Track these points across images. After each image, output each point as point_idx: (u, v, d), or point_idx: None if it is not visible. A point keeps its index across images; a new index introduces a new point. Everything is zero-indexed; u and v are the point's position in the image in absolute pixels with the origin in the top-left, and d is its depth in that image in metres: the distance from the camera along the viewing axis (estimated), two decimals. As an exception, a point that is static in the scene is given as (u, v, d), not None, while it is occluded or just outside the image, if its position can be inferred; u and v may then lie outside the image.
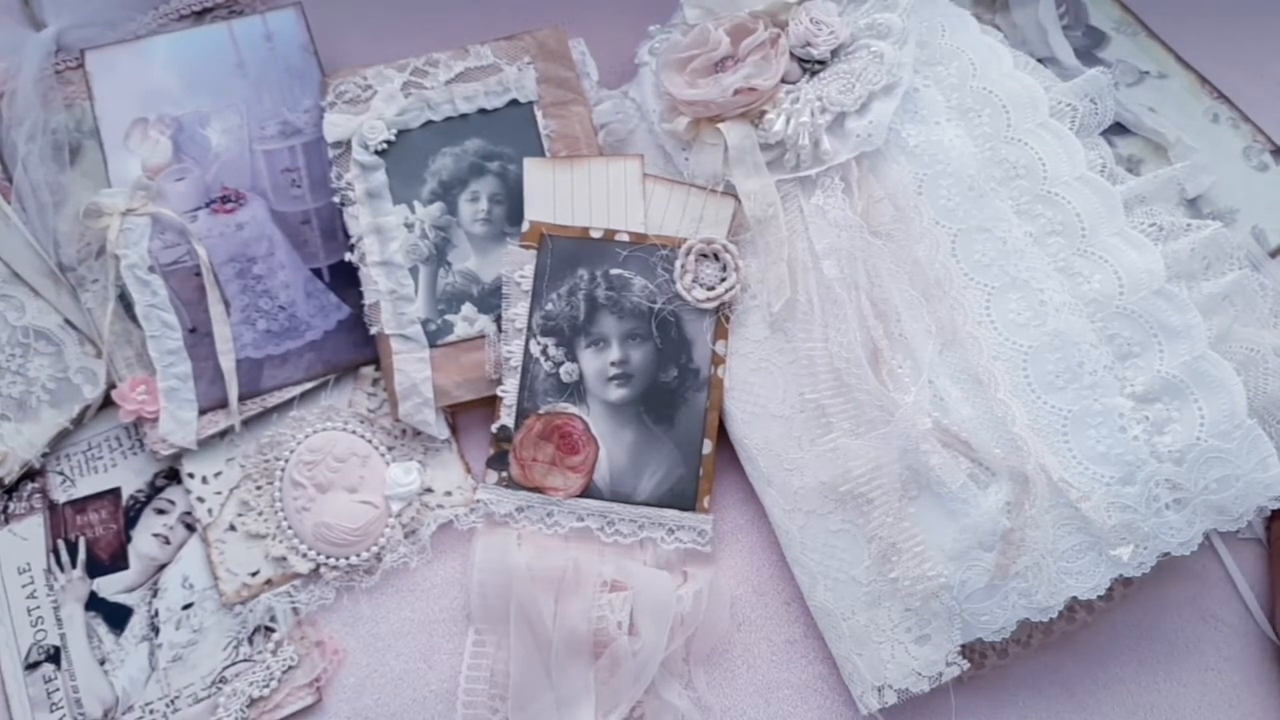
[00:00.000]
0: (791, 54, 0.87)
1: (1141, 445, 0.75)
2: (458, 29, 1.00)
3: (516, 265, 0.87)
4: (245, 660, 0.82)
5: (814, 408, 0.81)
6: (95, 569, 0.85)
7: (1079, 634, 0.82)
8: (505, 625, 0.81)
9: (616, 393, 0.85)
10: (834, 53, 0.87)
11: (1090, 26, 1.03)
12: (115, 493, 0.87)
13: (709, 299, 0.85)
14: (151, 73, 0.93)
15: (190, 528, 0.86)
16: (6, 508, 0.87)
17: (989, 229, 0.81)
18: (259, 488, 0.86)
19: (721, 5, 0.89)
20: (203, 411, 0.87)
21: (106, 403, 0.89)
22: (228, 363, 0.87)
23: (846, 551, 0.79)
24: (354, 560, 0.84)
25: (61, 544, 0.86)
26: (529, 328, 0.86)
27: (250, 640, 0.83)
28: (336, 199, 0.90)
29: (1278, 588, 0.84)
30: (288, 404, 0.88)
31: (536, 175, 0.89)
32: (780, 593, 0.84)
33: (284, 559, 0.84)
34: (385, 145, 0.90)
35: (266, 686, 0.81)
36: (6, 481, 0.86)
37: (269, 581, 0.84)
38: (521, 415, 0.85)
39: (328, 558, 0.84)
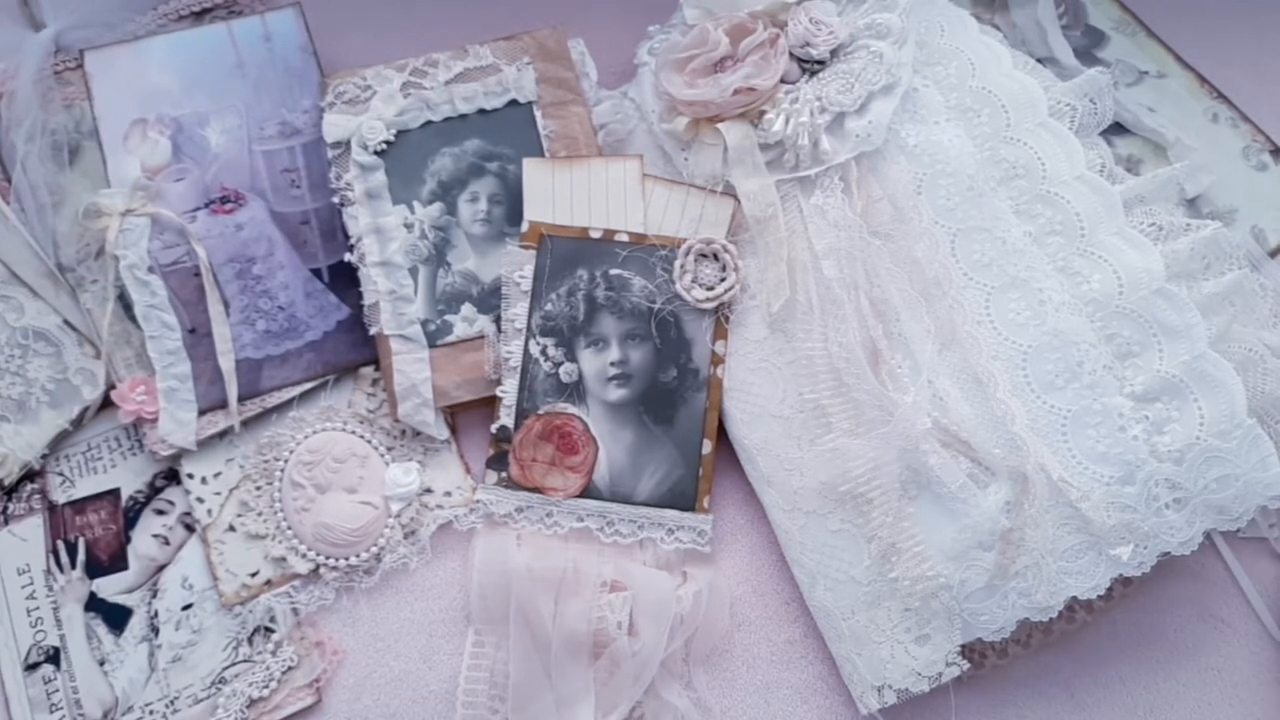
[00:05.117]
0: (791, 54, 0.87)
1: (1141, 445, 0.75)
2: (457, 29, 1.00)
3: (516, 265, 0.87)
4: (245, 661, 0.82)
5: (813, 408, 0.81)
6: (95, 570, 0.85)
7: (1079, 634, 0.82)
8: (505, 626, 0.81)
9: (616, 393, 0.85)
10: (833, 53, 0.87)
11: (1089, 26, 1.03)
12: (115, 493, 0.87)
13: (708, 299, 0.85)
14: (150, 73, 0.93)
15: (190, 528, 0.86)
16: (6, 509, 0.86)
17: (988, 229, 0.81)
18: (258, 488, 0.86)
19: (721, 5, 0.89)
20: (202, 412, 0.87)
21: (106, 403, 0.89)
22: (227, 363, 0.87)
23: (846, 551, 0.79)
24: (353, 561, 0.84)
25: (61, 545, 0.85)
26: (528, 328, 0.86)
27: (250, 641, 0.83)
28: (336, 199, 0.90)
29: None
30: (287, 404, 0.88)
31: (536, 175, 0.89)
32: (780, 593, 0.84)
33: (283, 559, 0.84)
34: (384, 145, 0.90)
35: (266, 687, 0.81)
36: (6, 483, 0.86)
37: (268, 582, 0.84)
38: (521, 415, 0.85)
39: (327, 558, 0.84)
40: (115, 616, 0.84)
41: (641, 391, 0.85)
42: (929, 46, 0.87)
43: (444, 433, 0.88)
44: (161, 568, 0.85)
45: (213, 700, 0.81)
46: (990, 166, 0.83)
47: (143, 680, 0.82)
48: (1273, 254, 0.92)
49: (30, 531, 0.86)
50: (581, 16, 0.99)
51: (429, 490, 0.87)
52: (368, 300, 0.88)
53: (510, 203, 0.90)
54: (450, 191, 0.91)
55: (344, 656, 0.83)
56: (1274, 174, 0.96)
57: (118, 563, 0.85)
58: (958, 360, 0.79)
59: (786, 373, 0.84)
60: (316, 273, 0.91)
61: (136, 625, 0.83)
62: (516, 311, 0.87)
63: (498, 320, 0.88)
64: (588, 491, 0.84)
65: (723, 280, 0.86)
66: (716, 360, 0.86)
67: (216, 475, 0.87)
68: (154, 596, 0.84)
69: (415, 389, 0.86)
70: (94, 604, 0.84)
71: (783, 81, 0.86)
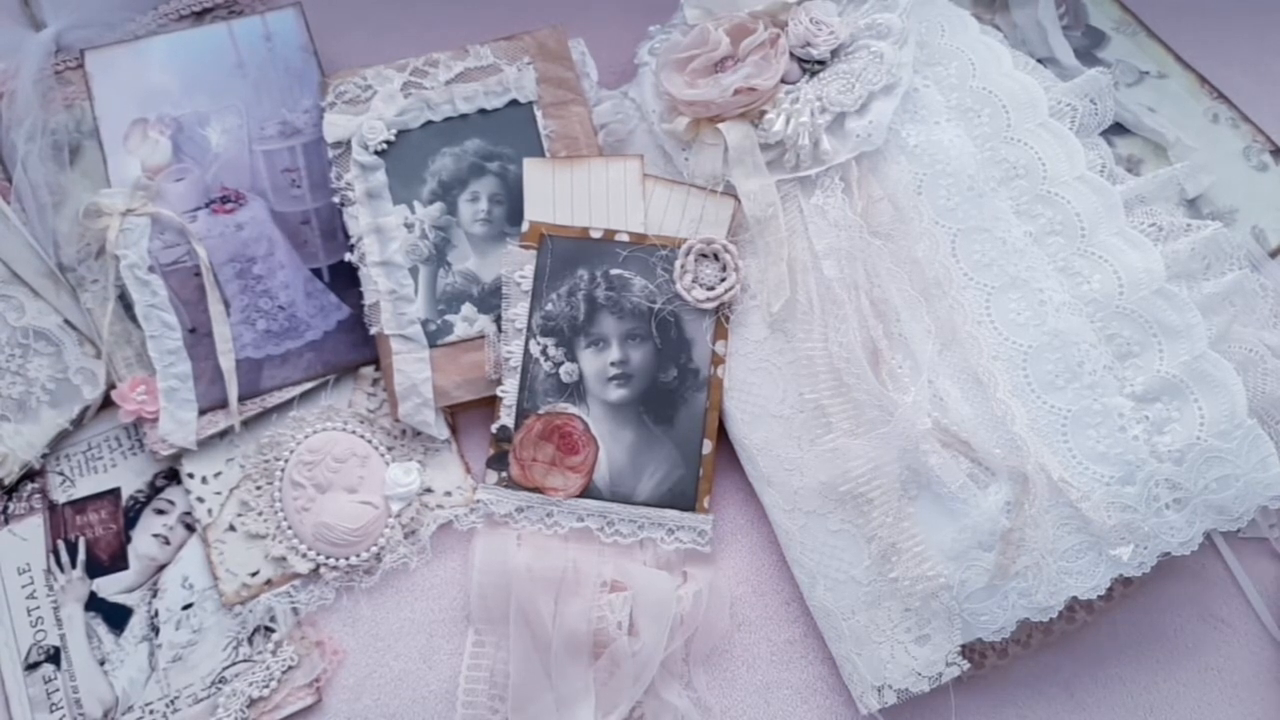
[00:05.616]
0: (791, 54, 0.87)
1: (1141, 445, 0.75)
2: (457, 29, 1.00)
3: (516, 265, 0.87)
4: (245, 660, 0.82)
5: (814, 408, 0.81)
6: (95, 569, 0.85)
7: (1079, 634, 0.82)
8: (505, 626, 0.81)
9: (616, 393, 0.85)
10: (834, 53, 0.87)
11: (1090, 26, 1.03)
12: (115, 493, 0.87)
13: (709, 299, 0.85)
14: (151, 73, 0.93)
15: (190, 528, 0.86)
16: (6, 508, 0.87)
17: (988, 229, 0.81)
18: (259, 488, 0.86)
19: (721, 5, 0.89)
20: (202, 412, 0.87)
21: (106, 403, 0.89)
22: (227, 363, 0.87)
23: (846, 551, 0.79)
24: (354, 560, 0.84)
25: (61, 544, 0.86)
26: (529, 328, 0.86)
27: (250, 640, 0.83)
28: (336, 199, 0.90)
29: None
30: (287, 404, 0.88)
31: (536, 175, 0.89)
32: (780, 593, 0.84)
33: (284, 559, 0.84)
34: (385, 145, 0.90)
35: (266, 687, 0.81)
36: (6, 482, 0.86)
37: (269, 582, 0.84)
38: (521, 415, 0.85)
39: (327, 558, 0.84)
40: (115, 616, 0.84)
41: (642, 391, 0.85)
42: (929, 46, 0.87)
43: (444, 433, 0.88)
44: (162, 567, 0.85)
45: (213, 700, 0.81)
46: (990, 166, 0.83)
47: (143, 680, 0.82)
48: (1273, 254, 0.92)
49: (30, 531, 0.86)
50: (582, 16, 0.99)
51: (429, 490, 0.87)
52: (368, 300, 0.88)
53: (511, 202, 0.90)
54: (451, 191, 0.91)
55: (344, 656, 0.83)
56: (1274, 174, 0.96)
57: (118, 562, 0.85)
58: (958, 360, 0.79)
59: (787, 373, 0.84)
60: (317, 272, 0.91)
61: (137, 625, 0.83)
62: (517, 311, 0.87)
63: (498, 320, 0.88)
64: (588, 491, 0.84)
65: (723, 280, 0.86)
66: (717, 360, 0.86)
67: (217, 475, 0.87)
68: (154, 596, 0.84)
69: (415, 389, 0.86)
70: (94, 603, 0.84)
71: (783, 81, 0.86)
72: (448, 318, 0.88)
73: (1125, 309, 0.77)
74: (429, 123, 0.92)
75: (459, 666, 0.81)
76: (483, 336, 0.88)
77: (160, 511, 0.87)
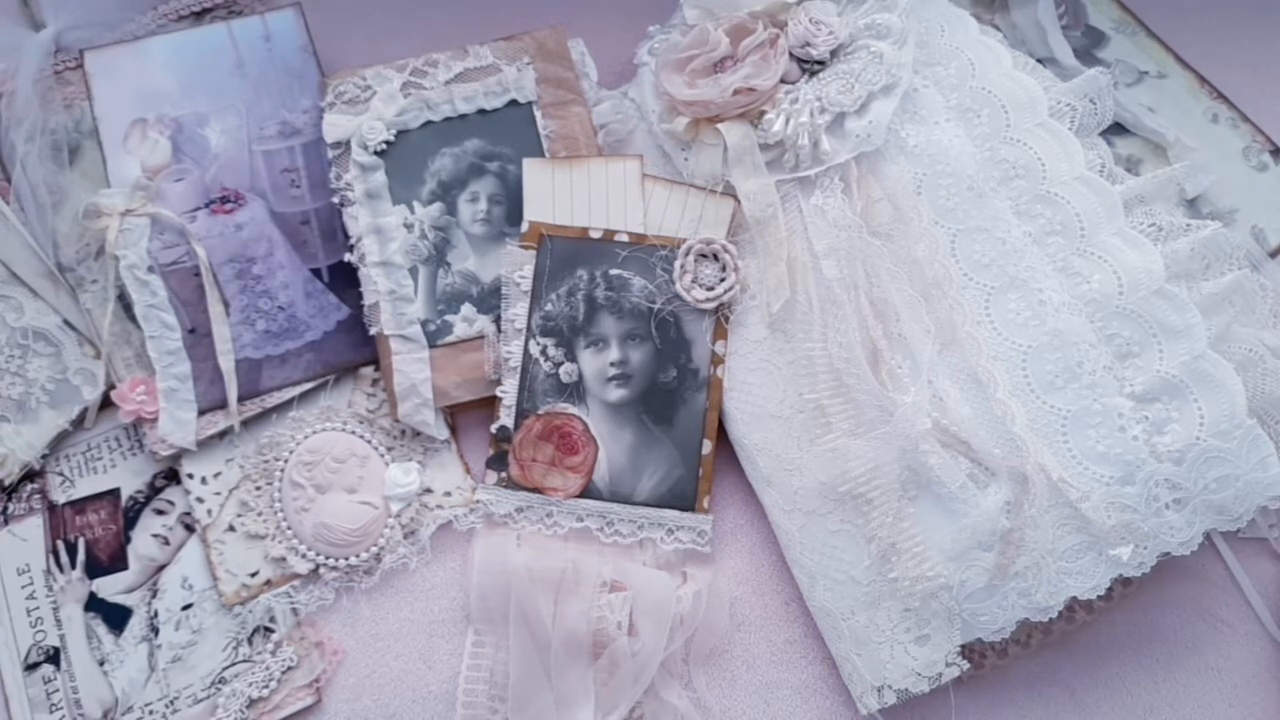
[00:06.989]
0: (791, 54, 0.87)
1: (1141, 445, 0.75)
2: (457, 29, 1.00)
3: (516, 265, 0.87)
4: (245, 661, 0.82)
5: (813, 408, 0.81)
6: (94, 570, 0.85)
7: (1079, 634, 0.82)
8: (504, 626, 0.81)
9: (616, 393, 0.85)
10: (833, 53, 0.87)
11: (1089, 26, 1.03)
12: (114, 493, 0.87)
13: (708, 299, 0.85)
14: (150, 73, 0.93)
15: (189, 528, 0.86)
16: (6, 509, 0.86)
17: (988, 229, 0.81)
18: (258, 488, 0.86)
19: (721, 5, 0.89)
20: (202, 412, 0.87)
21: (106, 403, 0.89)
22: (227, 363, 0.87)
23: (846, 552, 0.79)
24: (353, 561, 0.84)
25: (61, 545, 0.85)
26: (528, 328, 0.86)
27: (250, 641, 0.83)
28: (336, 199, 0.90)
29: None
30: (287, 404, 0.88)
31: (536, 176, 0.89)
32: (780, 593, 0.84)
33: (283, 559, 0.84)
34: (384, 146, 0.90)
35: (266, 687, 0.81)
36: (6, 483, 0.86)
37: (268, 582, 0.84)
38: (521, 416, 0.85)
39: (327, 558, 0.84)
40: (115, 616, 0.84)
41: (641, 391, 0.85)
42: (929, 46, 0.87)
43: (444, 433, 0.88)
44: (161, 568, 0.85)
45: (212, 700, 0.81)
46: (990, 167, 0.83)
47: (142, 680, 0.82)
48: (1273, 254, 0.92)
49: (30, 531, 0.86)
50: (581, 16, 0.99)
51: (429, 490, 0.87)
52: (368, 300, 0.88)
53: (510, 203, 0.90)
54: (450, 191, 0.91)
55: (344, 656, 0.83)
56: (1274, 174, 0.96)
57: (117, 563, 0.85)
58: (957, 360, 0.79)
59: (786, 373, 0.84)
60: (316, 273, 0.91)
61: (136, 625, 0.83)
62: (516, 311, 0.87)
63: (498, 320, 0.88)
64: (588, 491, 0.84)
65: (723, 280, 0.86)
66: (716, 360, 0.86)
67: (216, 475, 0.87)
68: (154, 596, 0.84)
69: (415, 389, 0.86)
70: (94, 604, 0.84)
71: (783, 81, 0.86)
72: (447, 318, 0.88)
73: (1125, 309, 0.77)
74: (428, 123, 0.92)
75: (459, 666, 0.81)
76: (482, 337, 0.88)
77: (160, 512, 0.87)
